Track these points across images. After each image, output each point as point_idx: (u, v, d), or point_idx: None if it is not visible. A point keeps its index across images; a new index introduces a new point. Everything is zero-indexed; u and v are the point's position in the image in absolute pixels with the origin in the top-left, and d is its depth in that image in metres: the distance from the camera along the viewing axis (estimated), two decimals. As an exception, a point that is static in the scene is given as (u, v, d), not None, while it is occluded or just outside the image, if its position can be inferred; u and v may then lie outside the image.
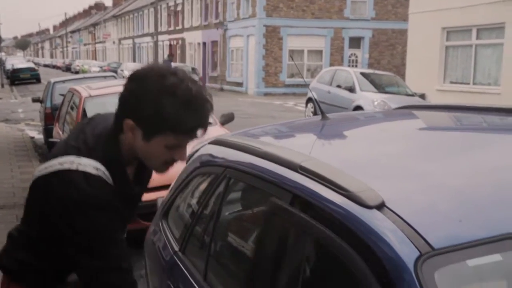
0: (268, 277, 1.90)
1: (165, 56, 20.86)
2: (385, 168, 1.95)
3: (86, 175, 1.67)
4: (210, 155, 2.76)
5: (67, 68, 59.55)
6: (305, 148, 2.26)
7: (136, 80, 1.67)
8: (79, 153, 1.72)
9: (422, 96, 15.61)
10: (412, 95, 14.99)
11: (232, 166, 2.38)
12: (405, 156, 2.11)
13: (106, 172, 1.72)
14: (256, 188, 2.20)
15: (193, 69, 26.70)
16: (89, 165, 1.69)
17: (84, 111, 7.01)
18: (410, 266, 1.33)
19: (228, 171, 2.39)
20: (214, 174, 2.59)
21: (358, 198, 1.57)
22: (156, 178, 6.34)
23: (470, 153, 2.04)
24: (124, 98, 1.70)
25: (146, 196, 5.95)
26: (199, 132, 1.69)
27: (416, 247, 1.36)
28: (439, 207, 1.55)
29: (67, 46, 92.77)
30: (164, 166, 1.81)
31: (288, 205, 1.85)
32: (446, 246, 1.35)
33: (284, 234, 1.90)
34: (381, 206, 1.53)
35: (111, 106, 7.20)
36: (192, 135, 1.70)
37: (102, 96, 7.45)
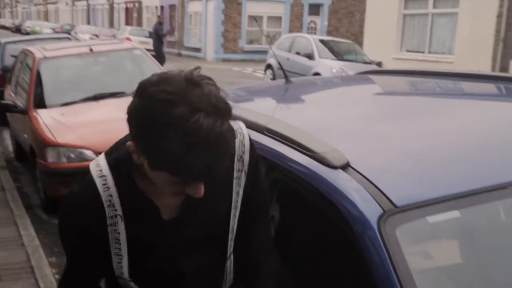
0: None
1: (155, 22, 20.22)
2: (347, 131, 1.99)
3: (90, 176, 1.48)
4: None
5: (17, 29, 57.36)
6: (270, 110, 2.28)
7: (142, 98, 1.33)
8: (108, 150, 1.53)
9: (379, 64, 15.83)
10: (370, 63, 15.18)
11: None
12: (366, 119, 2.15)
13: (109, 179, 1.46)
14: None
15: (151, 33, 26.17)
16: (98, 167, 1.49)
17: (38, 73, 6.81)
18: (374, 223, 1.38)
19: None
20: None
21: (323, 159, 1.61)
22: (113, 142, 6.29)
23: (427, 115, 2.10)
24: (128, 114, 1.37)
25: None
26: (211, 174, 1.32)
27: (379, 205, 1.41)
28: (401, 167, 1.60)
29: (16, 6, 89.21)
30: (177, 197, 1.47)
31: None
32: (407, 204, 1.41)
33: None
34: (346, 166, 1.57)
35: (67, 69, 7.05)
36: (200, 179, 1.35)
37: (57, 58, 7.24)
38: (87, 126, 5.95)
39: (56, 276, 4.51)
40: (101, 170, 1.46)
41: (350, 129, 2.01)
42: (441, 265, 1.43)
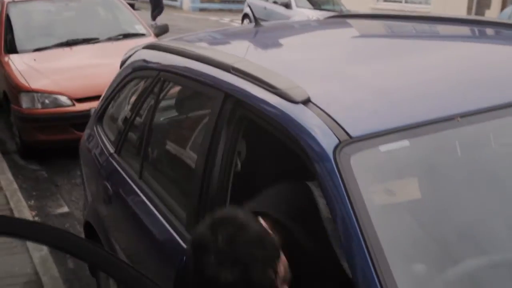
0: (200, 172, 2.00)
1: None
2: (314, 70, 2.06)
3: None
4: (144, 60, 2.78)
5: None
6: (238, 51, 2.33)
7: (191, 249, 1.46)
8: None
9: (357, 14, 15.77)
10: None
11: (166, 69, 2.43)
12: (334, 60, 2.22)
13: None
14: (190, 89, 2.28)
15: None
16: None
17: (7, 17, 6.68)
18: (330, 152, 1.47)
19: (163, 74, 2.44)
20: (148, 78, 2.63)
21: (285, 94, 1.69)
22: (88, 89, 6.23)
23: (391, 56, 2.18)
24: None
25: (80, 106, 5.94)
26: None
27: (336, 136, 1.50)
28: (358, 102, 1.69)
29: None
30: None
31: (221, 104, 1.94)
32: (362, 135, 1.50)
33: (215, 133, 1.99)
34: (306, 102, 1.65)
35: (37, 14, 6.83)
36: None
37: (27, 2, 7.08)
38: (61, 72, 5.91)
39: (36, 218, 4.60)
40: None
41: (317, 69, 2.08)
42: (390, 188, 1.54)
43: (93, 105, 5.47)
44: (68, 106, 5.62)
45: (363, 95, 1.74)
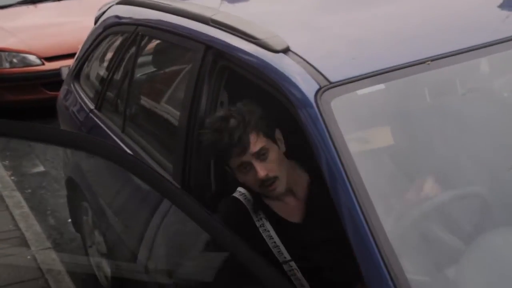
0: (184, 123, 2.08)
1: None
2: (287, 21, 2.12)
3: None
4: (117, 16, 2.79)
5: None
6: (213, 3, 2.37)
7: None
8: None
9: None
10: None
11: (143, 24, 2.46)
12: (306, 10, 2.28)
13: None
14: (169, 43, 2.32)
15: None
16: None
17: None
18: (311, 97, 1.56)
19: (141, 29, 2.47)
20: (125, 33, 2.65)
21: (266, 44, 1.76)
22: (57, 47, 6.13)
23: (364, 6, 2.24)
24: None
25: (49, 65, 5.86)
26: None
27: (316, 82, 1.59)
28: (336, 49, 1.78)
29: None
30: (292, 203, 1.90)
31: (202, 56, 2.00)
32: (340, 80, 1.59)
33: (197, 85, 2.05)
34: (286, 50, 1.72)
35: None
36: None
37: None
38: (27, 30, 5.81)
39: (13, 178, 4.61)
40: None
41: (288, 19, 2.14)
42: (369, 132, 1.65)
43: (63, 63, 5.46)
44: (38, 65, 5.56)
45: (339, 44, 1.83)
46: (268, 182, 1.78)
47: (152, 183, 1.72)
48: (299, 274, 1.83)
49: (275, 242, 1.84)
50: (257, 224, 1.86)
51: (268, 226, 1.85)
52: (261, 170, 1.75)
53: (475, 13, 1.99)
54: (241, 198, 1.89)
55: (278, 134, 1.85)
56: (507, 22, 1.94)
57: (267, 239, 1.84)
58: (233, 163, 1.79)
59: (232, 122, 1.76)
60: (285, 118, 1.77)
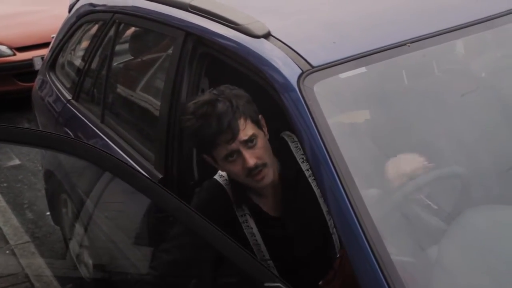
0: (165, 112, 2.06)
1: None
2: (265, 7, 2.11)
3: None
4: (91, 4, 2.75)
5: None
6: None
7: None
8: None
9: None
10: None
11: (120, 11, 2.43)
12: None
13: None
14: (148, 30, 2.30)
15: None
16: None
17: None
18: (294, 82, 1.57)
19: (117, 16, 2.44)
20: (100, 21, 2.62)
21: (247, 29, 1.75)
22: (28, 37, 6.00)
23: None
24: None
25: (21, 56, 5.75)
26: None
27: (298, 66, 1.59)
28: (317, 34, 1.78)
29: None
30: (273, 196, 1.83)
31: (182, 43, 1.99)
32: (322, 64, 1.59)
33: (177, 72, 2.04)
34: (267, 36, 1.72)
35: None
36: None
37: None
38: (-3, 20, 5.68)
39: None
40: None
41: (271, 4, 2.14)
42: (352, 114, 1.66)
43: (35, 53, 5.37)
44: (9, 55, 5.45)
45: (319, 28, 1.83)
46: (256, 170, 1.68)
47: (127, 179, 1.57)
48: (275, 273, 1.82)
49: (256, 240, 1.79)
50: (240, 219, 1.79)
51: (251, 223, 1.78)
52: (250, 158, 1.65)
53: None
54: (222, 181, 1.80)
55: (262, 120, 1.76)
56: (482, 3, 1.97)
57: (248, 236, 1.78)
58: (219, 152, 1.67)
59: (220, 106, 1.64)
60: (264, 104, 1.77)
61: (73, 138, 1.97)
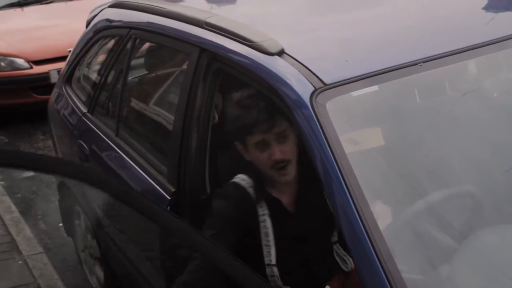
0: (179, 126, 2.09)
1: None
2: (280, 24, 2.15)
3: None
4: (108, 19, 2.80)
5: None
6: (205, 7, 2.39)
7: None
8: None
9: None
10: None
11: (137, 27, 2.47)
12: (297, 13, 2.30)
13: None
14: (163, 46, 2.33)
15: None
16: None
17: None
18: (306, 99, 1.58)
19: (134, 32, 2.48)
20: (117, 37, 2.66)
21: (261, 47, 1.78)
22: (45, 50, 6.07)
23: (356, 9, 2.28)
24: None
25: (38, 69, 5.84)
26: None
27: (311, 84, 1.61)
28: (330, 52, 1.80)
29: None
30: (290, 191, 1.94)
31: (196, 59, 2.02)
32: (335, 82, 1.61)
33: (191, 88, 2.06)
34: (281, 53, 1.74)
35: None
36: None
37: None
38: (15, 33, 5.78)
39: (2, 183, 4.58)
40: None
41: (280, 22, 2.17)
42: (364, 132, 1.68)
43: (52, 67, 5.44)
44: (26, 69, 5.53)
45: (333, 46, 1.85)
46: (281, 165, 1.82)
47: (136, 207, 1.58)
48: (279, 282, 1.85)
49: (268, 241, 1.86)
50: (260, 218, 1.87)
51: (268, 223, 1.86)
52: (278, 151, 1.80)
53: (465, 16, 2.03)
54: (244, 184, 1.89)
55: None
56: (494, 24, 1.99)
57: (263, 236, 1.86)
58: (252, 138, 1.82)
59: (262, 101, 1.81)
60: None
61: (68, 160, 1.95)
